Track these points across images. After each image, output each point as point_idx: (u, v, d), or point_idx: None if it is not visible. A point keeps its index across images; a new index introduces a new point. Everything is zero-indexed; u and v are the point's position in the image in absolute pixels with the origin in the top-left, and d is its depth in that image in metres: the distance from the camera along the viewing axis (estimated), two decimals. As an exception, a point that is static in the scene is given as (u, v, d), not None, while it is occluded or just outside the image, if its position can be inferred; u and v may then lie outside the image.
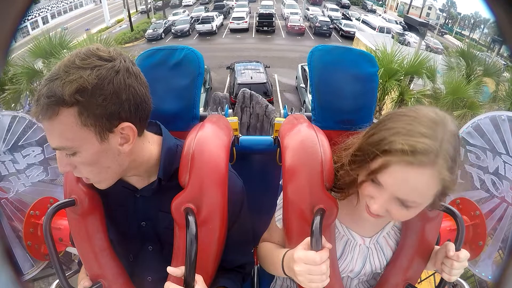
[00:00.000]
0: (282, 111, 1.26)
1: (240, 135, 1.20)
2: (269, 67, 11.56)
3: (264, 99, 6.16)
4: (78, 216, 0.79)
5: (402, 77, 6.08)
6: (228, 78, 11.77)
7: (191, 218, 0.67)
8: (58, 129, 0.62)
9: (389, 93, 6.30)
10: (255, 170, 1.35)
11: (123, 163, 0.70)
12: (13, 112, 1.30)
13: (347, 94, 1.00)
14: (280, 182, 0.89)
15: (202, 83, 1.03)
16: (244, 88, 6.34)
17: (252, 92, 6.10)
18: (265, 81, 9.69)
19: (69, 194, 0.78)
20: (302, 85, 10.69)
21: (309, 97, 10.48)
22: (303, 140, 0.83)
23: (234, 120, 1.14)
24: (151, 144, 0.76)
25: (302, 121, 0.95)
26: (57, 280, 0.87)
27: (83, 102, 0.59)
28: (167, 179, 0.77)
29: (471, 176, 1.25)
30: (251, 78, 9.46)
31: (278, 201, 0.88)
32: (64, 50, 5.19)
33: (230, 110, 1.23)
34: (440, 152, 0.59)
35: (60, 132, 0.62)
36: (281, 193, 0.85)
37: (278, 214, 0.87)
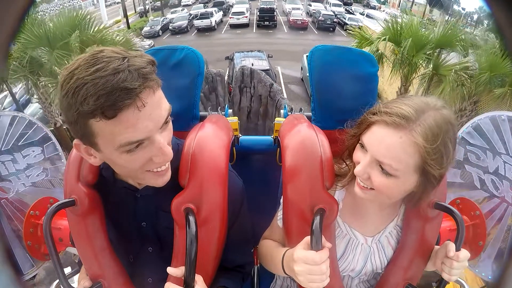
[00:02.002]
0: (282, 111, 1.26)
1: (240, 135, 1.20)
2: (271, 56, 10.79)
3: (268, 77, 5.11)
4: (78, 216, 0.79)
5: (431, 51, 5.30)
6: (228, 70, 10.63)
7: (191, 218, 0.67)
8: (161, 94, 0.64)
9: (416, 70, 5.63)
10: (255, 170, 1.35)
11: None
12: (13, 112, 1.30)
13: (347, 94, 1.00)
14: (281, 182, 0.90)
15: (202, 83, 1.03)
16: (244, 65, 5.42)
17: (253, 68, 5.03)
18: (267, 67, 8.53)
19: (69, 194, 0.78)
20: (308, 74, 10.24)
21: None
22: (303, 140, 0.83)
23: (234, 120, 1.14)
24: None
25: (302, 121, 0.95)
26: (57, 280, 0.87)
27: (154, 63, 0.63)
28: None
29: (471, 176, 1.25)
30: (252, 65, 8.25)
31: (281, 200, 0.88)
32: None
33: (230, 110, 1.23)
34: (420, 123, 0.63)
35: (162, 96, 0.65)
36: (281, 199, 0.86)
37: (280, 214, 0.87)
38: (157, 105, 0.62)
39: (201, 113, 1.07)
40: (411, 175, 0.67)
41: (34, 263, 1.18)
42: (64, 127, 5.72)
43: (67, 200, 0.77)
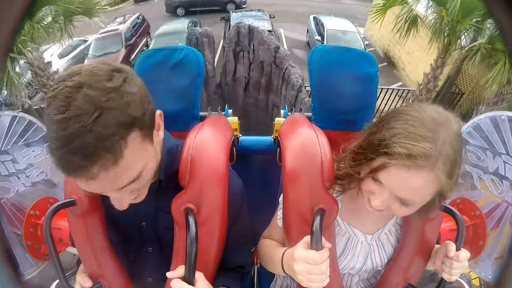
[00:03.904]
0: (282, 111, 1.26)
1: (240, 135, 1.20)
2: (273, 17, 9.74)
3: (273, 37, 3.80)
4: (78, 216, 0.79)
5: (480, 18, 4.27)
6: (223, 33, 9.12)
7: (191, 218, 0.67)
8: (131, 158, 0.56)
9: (457, 41, 4.62)
10: (255, 170, 1.35)
11: (157, 150, 0.68)
12: (13, 112, 1.30)
13: (347, 94, 1.00)
14: (280, 182, 0.90)
15: (202, 83, 1.03)
16: (239, 21, 3.91)
17: (253, 25, 3.72)
18: (270, 28, 7.30)
19: (69, 194, 0.78)
20: (317, 37, 8.93)
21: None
22: (303, 140, 0.83)
23: (234, 120, 1.14)
24: None
25: (302, 121, 0.95)
26: (57, 280, 0.87)
27: (141, 118, 0.56)
28: (167, 180, 0.77)
29: (471, 176, 1.25)
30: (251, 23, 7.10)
31: (279, 199, 0.88)
32: None
33: (230, 110, 1.23)
34: (440, 156, 0.60)
35: (132, 160, 0.56)
36: (281, 197, 0.86)
37: (280, 213, 0.87)
38: (111, 179, 0.56)
39: (201, 113, 1.07)
40: (430, 197, 0.66)
41: (34, 263, 1.18)
42: (34, 108, 5.53)
43: (67, 200, 0.77)
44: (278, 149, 0.99)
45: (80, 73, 0.53)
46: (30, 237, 1.10)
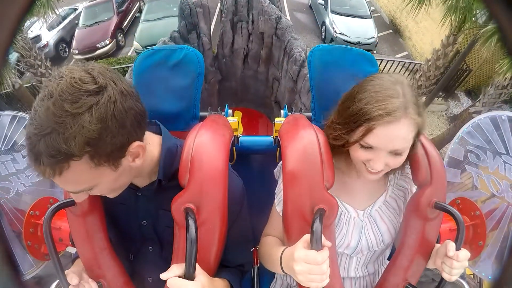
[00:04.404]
0: (282, 111, 1.26)
1: (240, 135, 1.20)
2: None
3: (274, 6, 3.51)
4: (78, 216, 0.79)
5: None
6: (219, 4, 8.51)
7: (191, 218, 0.67)
8: (72, 178, 0.59)
9: (472, 18, 4.41)
10: (255, 170, 1.35)
11: (134, 173, 0.71)
12: (13, 112, 1.30)
13: (347, 94, 1.00)
14: (280, 180, 0.90)
15: (202, 83, 1.03)
16: None
17: None
18: None
19: (69, 194, 0.78)
20: (320, 0, 8.72)
21: (330, 17, 8.25)
22: (303, 140, 0.83)
23: (234, 120, 1.14)
24: (151, 146, 0.76)
25: (302, 121, 0.95)
26: (57, 280, 0.87)
27: (91, 150, 0.56)
28: (167, 180, 0.77)
29: (471, 176, 1.25)
30: None
31: (276, 190, 0.91)
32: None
33: (230, 110, 1.23)
34: (407, 103, 0.72)
35: (75, 180, 0.59)
36: (279, 183, 0.89)
37: (277, 200, 0.89)
38: (58, 183, 0.59)
39: (201, 113, 1.07)
40: (412, 140, 0.76)
41: (34, 263, 1.18)
42: (25, 85, 5.34)
43: (67, 200, 0.77)
44: (278, 149, 0.99)
45: (62, 79, 0.55)
46: (30, 237, 1.10)
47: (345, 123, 0.78)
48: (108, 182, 0.64)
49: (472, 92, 7.24)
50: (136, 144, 0.64)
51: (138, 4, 10.39)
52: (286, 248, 0.78)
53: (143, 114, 0.66)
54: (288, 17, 7.63)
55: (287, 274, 0.78)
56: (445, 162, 1.28)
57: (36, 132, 0.54)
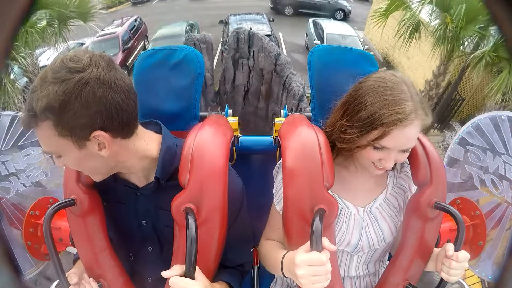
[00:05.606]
0: (282, 111, 1.26)
1: (240, 135, 1.20)
2: (273, 20, 9.57)
3: (273, 43, 3.67)
4: (78, 216, 0.79)
5: (483, 24, 4.24)
6: (222, 36, 8.63)
7: (191, 218, 0.67)
8: (42, 137, 0.66)
9: (460, 47, 4.61)
10: (255, 170, 1.35)
11: (109, 163, 0.72)
12: (13, 112, 1.30)
13: (347, 94, 1.00)
14: (277, 179, 0.90)
15: (202, 83, 1.03)
16: (239, 27, 3.79)
17: (253, 31, 3.62)
18: (269, 32, 7.12)
19: (69, 194, 0.78)
20: (316, 41, 9.04)
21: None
22: (303, 140, 0.83)
23: (234, 120, 1.14)
24: (147, 143, 0.76)
25: (302, 121, 0.95)
26: (57, 280, 0.87)
27: (53, 117, 0.61)
28: (167, 179, 0.77)
29: (471, 176, 1.25)
30: (251, 29, 7.17)
31: (274, 189, 0.91)
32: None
33: (230, 111, 1.23)
34: (417, 105, 0.74)
35: (43, 140, 0.66)
36: (277, 181, 0.89)
37: (277, 198, 0.88)
38: (39, 139, 0.67)
39: (201, 113, 1.07)
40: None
41: (34, 263, 1.18)
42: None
43: (67, 200, 0.77)
44: (278, 149, 0.99)
45: (79, 56, 0.64)
46: (30, 237, 1.10)
47: (358, 126, 0.77)
48: (74, 158, 0.67)
49: (467, 121, 7.26)
50: (101, 133, 0.64)
51: (143, 42, 10.74)
52: (287, 252, 0.78)
53: (124, 110, 0.66)
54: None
55: (287, 278, 0.78)
56: (445, 162, 1.28)
57: (31, 87, 0.64)
